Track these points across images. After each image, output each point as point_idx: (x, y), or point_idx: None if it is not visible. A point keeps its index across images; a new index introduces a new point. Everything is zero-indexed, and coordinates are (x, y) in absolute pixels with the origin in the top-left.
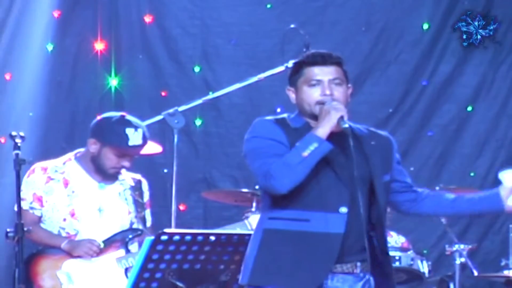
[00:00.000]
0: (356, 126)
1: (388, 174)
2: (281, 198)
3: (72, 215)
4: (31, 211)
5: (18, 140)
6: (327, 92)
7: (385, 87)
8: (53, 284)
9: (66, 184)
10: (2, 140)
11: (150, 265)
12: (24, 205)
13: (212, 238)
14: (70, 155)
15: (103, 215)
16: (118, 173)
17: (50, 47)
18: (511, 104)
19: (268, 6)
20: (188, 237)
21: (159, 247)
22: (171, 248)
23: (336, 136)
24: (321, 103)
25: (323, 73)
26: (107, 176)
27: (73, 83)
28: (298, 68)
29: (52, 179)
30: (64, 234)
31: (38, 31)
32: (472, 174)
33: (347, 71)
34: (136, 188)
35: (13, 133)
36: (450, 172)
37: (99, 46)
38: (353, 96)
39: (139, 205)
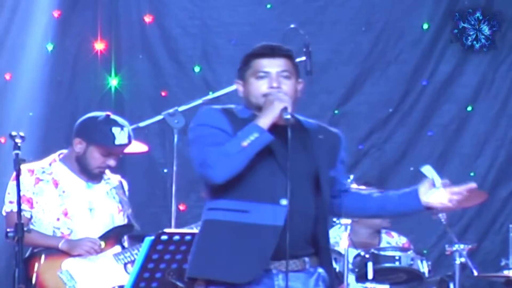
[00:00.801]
0: (306, 120)
1: (332, 170)
2: (222, 188)
3: (65, 214)
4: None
5: (18, 140)
6: (274, 84)
7: (385, 87)
8: (56, 285)
9: (56, 184)
10: (2, 140)
11: (150, 265)
12: (12, 207)
13: None
14: (54, 156)
15: (94, 214)
16: (103, 172)
17: (50, 47)
18: (511, 104)
19: (268, 6)
20: (188, 237)
21: (159, 247)
22: (171, 248)
23: (282, 128)
24: (267, 95)
25: (271, 65)
26: (92, 176)
27: (73, 83)
28: (246, 60)
29: (41, 180)
30: (58, 234)
31: (38, 31)
32: (472, 174)
33: (298, 65)
34: (120, 187)
35: (13, 133)
36: (450, 172)
37: (99, 46)
38: (353, 96)
39: (125, 203)
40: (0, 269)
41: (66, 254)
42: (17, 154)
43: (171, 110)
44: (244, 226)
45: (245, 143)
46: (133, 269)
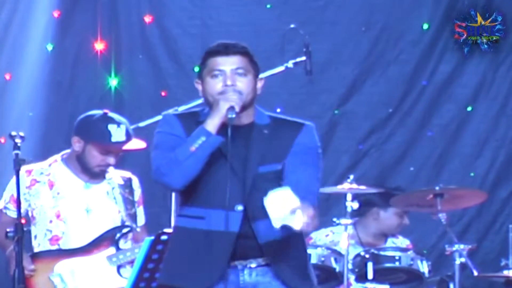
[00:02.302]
0: (266, 114)
1: (279, 163)
2: (184, 195)
3: (58, 216)
4: (4, 211)
5: (18, 140)
6: (229, 82)
7: (385, 87)
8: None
9: (51, 186)
10: (2, 140)
11: (150, 265)
12: (0, 205)
13: None
14: (57, 156)
15: (91, 215)
16: (104, 171)
17: (50, 47)
18: (511, 104)
19: (268, 6)
20: None
21: (159, 247)
22: None
23: (241, 129)
24: (222, 93)
25: (226, 63)
26: (94, 174)
27: (73, 83)
28: (203, 59)
29: (38, 181)
30: (50, 236)
31: (38, 31)
32: (472, 174)
33: (257, 63)
34: (126, 186)
35: (13, 133)
36: (450, 172)
37: (99, 46)
38: (353, 96)
39: (128, 203)
40: (0, 269)
41: (59, 256)
42: (17, 154)
43: (171, 110)
44: (201, 233)
45: (193, 148)
46: (133, 269)
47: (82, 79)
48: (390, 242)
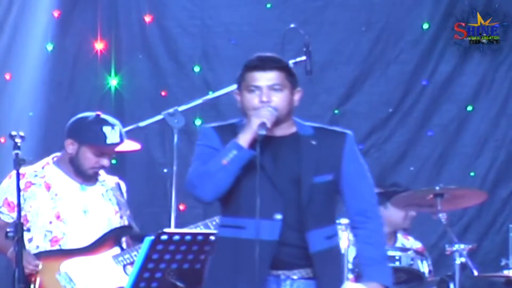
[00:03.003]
0: (306, 124)
1: (331, 173)
2: (225, 205)
3: (58, 217)
4: None
5: (18, 140)
6: (264, 98)
7: (385, 87)
8: (54, 287)
9: (48, 187)
10: (2, 140)
11: (150, 265)
12: None
13: (212, 238)
14: (48, 159)
15: (89, 217)
16: (97, 173)
17: (50, 47)
18: (511, 104)
19: (268, 6)
20: (188, 237)
21: (159, 247)
22: (171, 248)
23: (277, 142)
24: (256, 109)
25: (262, 78)
26: (87, 177)
27: (73, 83)
28: (242, 72)
29: (33, 184)
30: (50, 237)
31: (38, 31)
32: (472, 174)
33: (295, 74)
34: (117, 189)
35: (13, 133)
36: (450, 172)
37: (99, 46)
38: (353, 96)
39: (122, 204)
40: (0, 269)
41: (64, 256)
42: (17, 154)
43: (171, 110)
44: (242, 242)
45: (225, 161)
46: (133, 269)
47: (82, 79)
48: (399, 243)
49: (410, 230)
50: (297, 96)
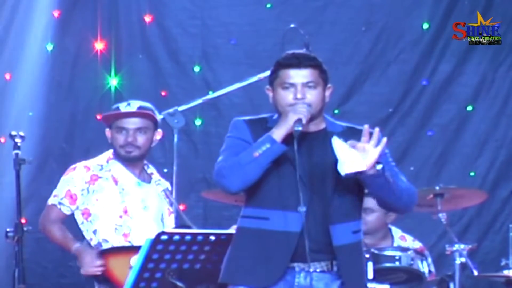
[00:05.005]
0: (335, 122)
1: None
2: (249, 196)
3: (125, 212)
4: (58, 206)
5: (18, 140)
6: (299, 96)
7: (385, 87)
8: None
9: (115, 181)
10: (2, 140)
11: (150, 265)
12: (53, 200)
13: (212, 238)
14: (108, 153)
15: (148, 212)
16: (129, 152)
17: (50, 47)
18: (511, 104)
19: (268, 6)
20: (188, 237)
21: (159, 247)
22: (171, 248)
23: (307, 137)
24: (292, 106)
25: (297, 76)
26: (127, 159)
27: (73, 83)
28: (275, 69)
29: (100, 177)
30: (122, 232)
31: (38, 31)
32: (472, 174)
33: (327, 71)
34: (169, 193)
35: (13, 133)
36: (450, 172)
37: (99, 46)
38: (353, 96)
39: (173, 206)
40: (0, 269)
41: (133, 250)
42: (17, 154)
43: (171, 110)
44: (264, 232)
45: (256, 154)
46: (133, 269)
47: (82, 79)
48: (396, 244)
49: (410, 230)
50: (328, 93)
